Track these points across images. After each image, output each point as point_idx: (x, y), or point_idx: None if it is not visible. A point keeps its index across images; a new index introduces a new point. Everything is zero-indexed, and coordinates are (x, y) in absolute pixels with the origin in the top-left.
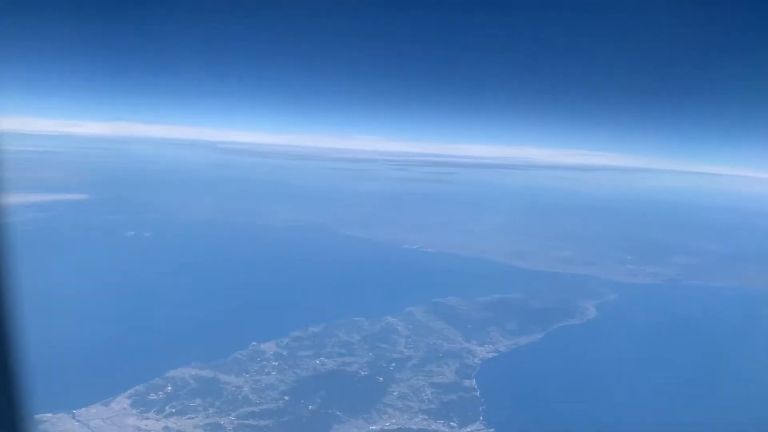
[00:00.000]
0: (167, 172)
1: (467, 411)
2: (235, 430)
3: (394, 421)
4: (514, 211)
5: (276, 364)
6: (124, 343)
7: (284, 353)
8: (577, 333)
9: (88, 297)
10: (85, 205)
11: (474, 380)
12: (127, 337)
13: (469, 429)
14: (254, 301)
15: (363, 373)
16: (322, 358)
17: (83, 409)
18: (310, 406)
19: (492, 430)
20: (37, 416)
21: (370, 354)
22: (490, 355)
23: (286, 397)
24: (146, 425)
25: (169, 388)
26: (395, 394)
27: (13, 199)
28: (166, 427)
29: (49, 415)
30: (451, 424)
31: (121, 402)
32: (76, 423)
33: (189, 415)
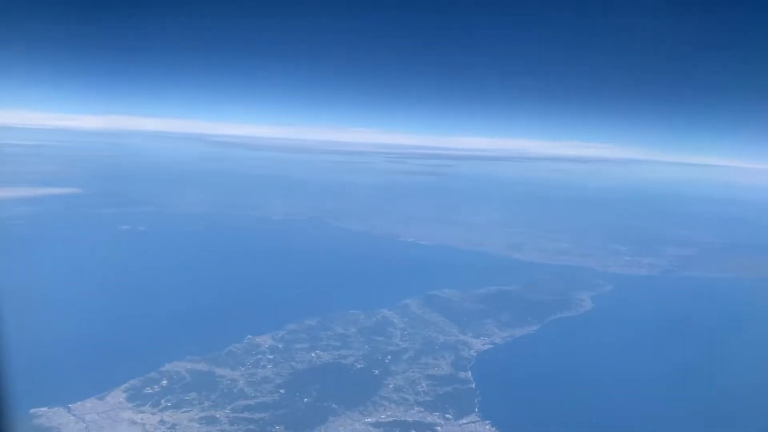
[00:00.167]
0: (161, 166)
1: (463, 403)
2: (231, 424)
3: (389, 413)
4: (510, 203)
5: (271, 357)
6: (119, 337)
7: (280, 346)
8: (573, 325)
9: (82, 291)
10: (79, 198)
11: (469, 372)
12: (122, 331)
13: (464, 421)
14: (250, 294)
15: (359, 365)
16: (317, 351)
17: (78, 403)
18: (306, 399)
19: (487, 421)
20: (33, 410)
21: (366, 347)
22: (485, 347)
23: (282, 390)
24: (142, 419)
25: (165, 381)
26: (391, 386)
27: (5, 193)
28: (161, 421)
29: (45, 409)
30: (447, 416)
31: (117, 396)
32: (72, 417)
33: (184, 409)
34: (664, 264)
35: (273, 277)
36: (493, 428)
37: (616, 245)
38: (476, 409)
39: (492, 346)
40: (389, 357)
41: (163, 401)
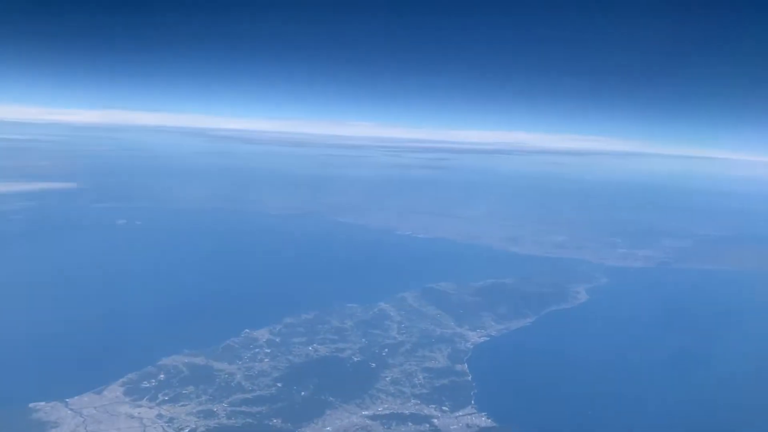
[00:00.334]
0: (158, 160)
1: (459, 395)
2: (229, 417)
3: (386, 406)
4: (507, 197)
5: (269, 350)
6: (116, 331)
7: (277, 340)
8: (569, 317)
9: (79, 286)
10: (75, 193)
11: (466, 365)
12: (119, 325)
13: (461, 413)
14: (247, 288)
15: (356, 359)
16: (314, 345)
17: (76, 397)
18: (303, 393)
19: (484, 414)
20: (31, 405)
21: (363, 340)
22: (482, 340)
23: (279, 384)
24: (139, 413)
25: (162, 375)
26: (388, 379)
27: (2, 187)
28: (159, 415)
29: (42, 403)
30: (443, 408)
31: (114, 390)
32: (69, 411)
33: (182, 403)
34: (660, 256)
35: (270, 271)
36: (490, 420)
37: (612, 238)
38: (472, 402)
39: (488, 339)
40: (386, 350)
41: (160, 395)
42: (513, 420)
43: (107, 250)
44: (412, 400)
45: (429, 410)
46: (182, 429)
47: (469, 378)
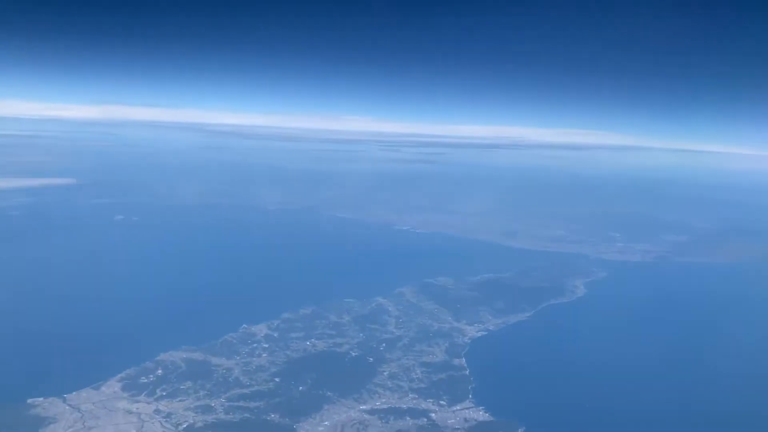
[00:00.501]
0: (156, 156)
1: (457, 389)
2: (227, 413)
3: (384, 400)
4: (505, 191)
5: (267, 346)
6: (115, 326)
7: (275, 335)
8: (566, 311)
9: (77, 281)
10: (73, 189)
11: (464, 359)
12: (117, 320)
13: (458, 407)
14: (245, 283)
15: (353, 353)
16: (312, 340)
17: (74, 393)
18: (301, 388)
19: (481, 408)
20: (29, 400)
21: (361, 335)
22: (479, 334)
23: (277, 379)
24: (137, 408)
25: (160, 371)
26: (385, 374)
27: (0, 183)
28: (157, 410)
29: (41, 399)
30: (441, 402)
31: (112, 386)
32: (67, 407)
33: (180, 398)
34: (658, 250)
35: (268, 266)
36: (487, 414)
37: (610, 232)
38: (470, 396)
39: (486, 333)
40: (384, 345)
41: (158, 391)
42: (510, 414)
43: (105, 245)
44: (410, 395)
45: (427, 404)
46: (180, 424)
47: (467, 372)
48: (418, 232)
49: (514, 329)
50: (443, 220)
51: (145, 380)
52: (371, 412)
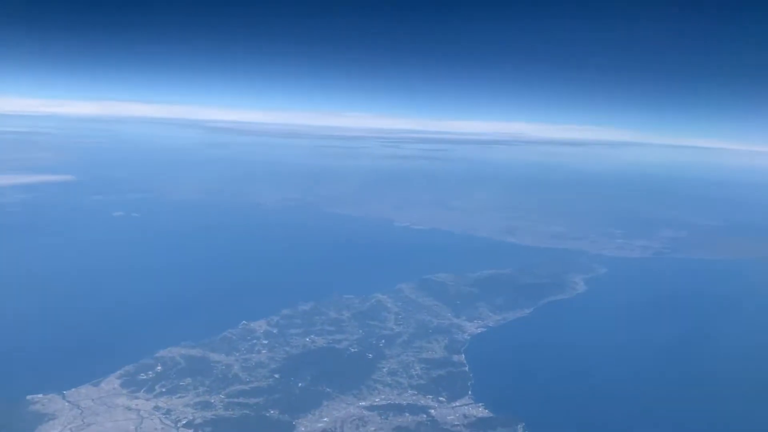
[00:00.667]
0: (155, 152)
1: (456, 386)
2: (226, 409)
3: (383, 396)
4: (505, 187)
5: (266, 342)
6: (114, 323)
7: (274, 331)
8: (567, 307)
9: (76, 278)
10: (72, 185)
11: (463, 355)
12: (117, 317)
13: (457, 403)
14: (244, 279)
15: (353, 350)
16: (312, 336)
17: (73, 389)
18: (300, 384)
19: (480, 404)
20: (28, 397)
21: (360, 331)
22: (479, 331)
23: (276, 375)
24: (136, 405)
25: (159, 367)
26: (385, 370)
27: (0, 180)
28: (156, 407)
29: (40, 396)
30: (440, 398)
31: (112, 382)
32: (67, 403)
33: (179, 395)
34: (657, 246)
35: (267, 262)
36: (486, 410)
37: (610, 228)
38: (469, 392)
39: (485, 330)
40: (383, 341)
41: (157, 387)
42: (510, 410)
43: (104, 242)
44: (409, 391)
45: (426, 401)
46: (179, 421)
47: (466, 369)
48: (417, 228)
49: (513, 325)
50: (443, 216)
51: (145, 377)
52: (370, 408)
